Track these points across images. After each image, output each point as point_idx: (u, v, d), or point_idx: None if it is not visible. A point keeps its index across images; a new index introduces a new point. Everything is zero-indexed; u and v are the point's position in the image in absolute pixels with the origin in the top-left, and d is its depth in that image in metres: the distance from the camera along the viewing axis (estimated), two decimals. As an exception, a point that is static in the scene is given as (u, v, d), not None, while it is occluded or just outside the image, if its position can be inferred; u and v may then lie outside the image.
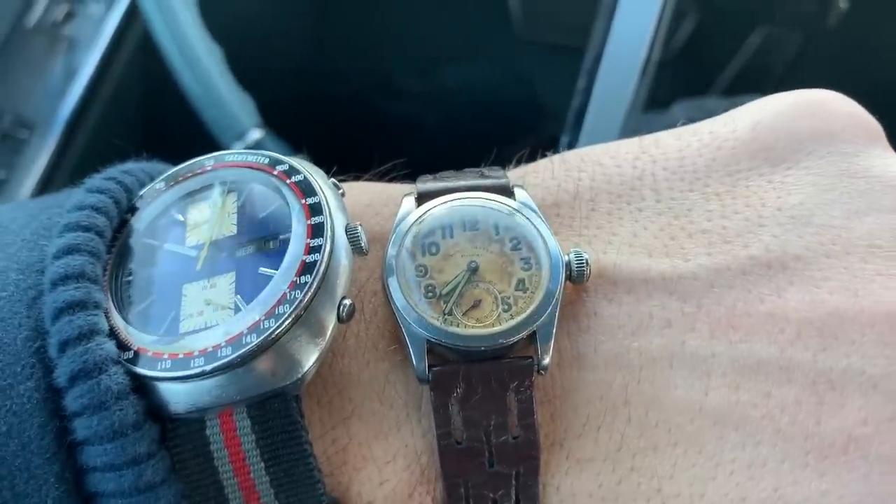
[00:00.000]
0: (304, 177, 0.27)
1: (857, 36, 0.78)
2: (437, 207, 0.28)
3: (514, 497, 0.25)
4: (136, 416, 0.23)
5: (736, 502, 0.24)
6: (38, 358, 0.24)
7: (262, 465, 0.24)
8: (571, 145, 0.57)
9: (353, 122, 0.87)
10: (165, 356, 0.24)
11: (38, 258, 0.26)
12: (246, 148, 0.65)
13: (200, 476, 0.24)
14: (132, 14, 0.73)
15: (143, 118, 0.79)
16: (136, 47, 0.74)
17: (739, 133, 0.29)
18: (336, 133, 0.85)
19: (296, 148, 0.69)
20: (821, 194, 0.27)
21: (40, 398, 0.23)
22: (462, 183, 0.29)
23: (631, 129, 0.56)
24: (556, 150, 0.59)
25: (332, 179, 0.28)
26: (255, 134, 0.67)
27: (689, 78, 0.80)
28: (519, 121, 0.85)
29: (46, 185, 0.69)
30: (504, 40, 0.85)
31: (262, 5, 0.86)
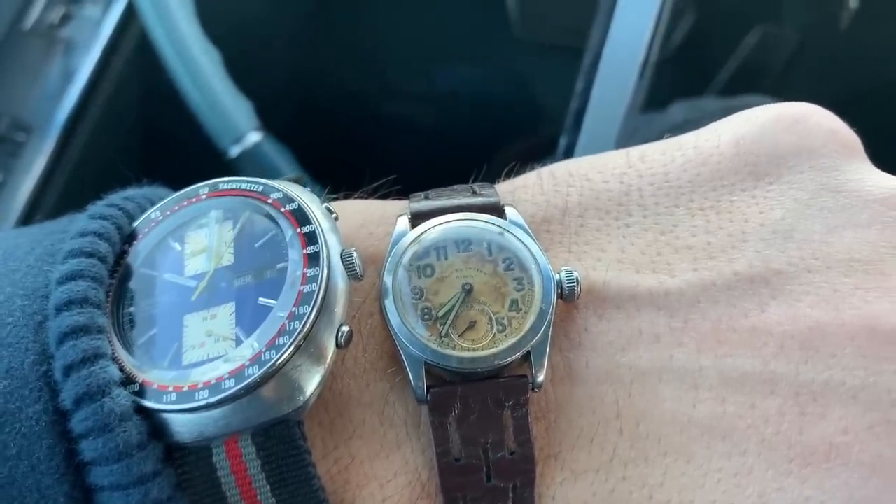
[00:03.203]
0: (299, 205, 0.27)
1: (854, 35, 0.78)
2: (431, 230, 0.28)
3: None
4: (140, 436, 0.24)
5: None
6: (45, 381, 0.24)
7: (269, 488, 0.25)
8: (570, 147, 0.57)
9: (350, 124, 0.87)
10: (170, 389, 0.25)
11: (42, 284, 0.26)
12: (244, 151, 0.66)
13: (209, 500, 0.25)
14: (129, 16, 0.73)
15: (141, 121, 0.79)
16: (134, 50, 0.74)
17: (723, 148, 0.30)
18: (334, 135, 0.85)
19: (293, 150, 0.69)
20: (802, 209, 0.28)
21: (48, 420, 0.24)
22: (454, 202, 0.29)
23: (630, 129, 0.56)
24: (555, 151, 0.59)
25: (326, 204, 0.28)
26: (254, 137, 0.66)
27: (686, 77, 0.80)
28: (517, 122, 0.86)
29: (44, 188, 0.69)
30: (502, 41, 0.85)
31: (258, 8, 0.86)
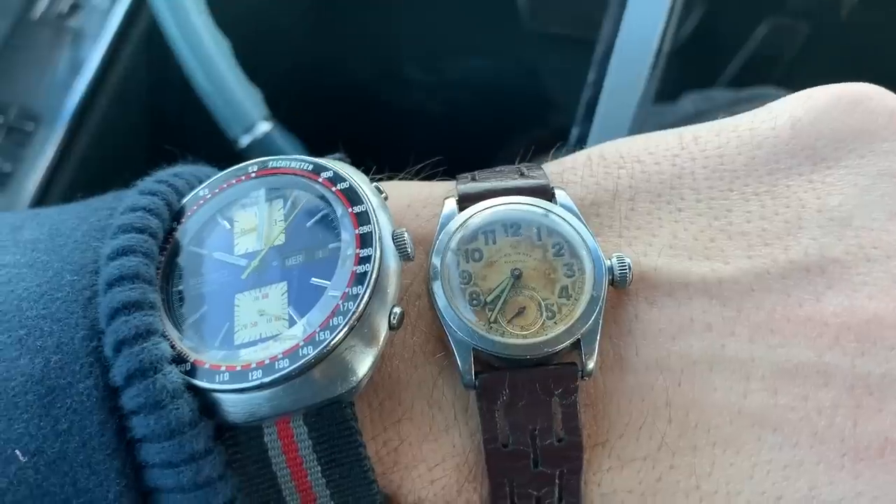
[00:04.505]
0: (350, 184, 0.27)
1: (865, 26, 0.78)
2: (479, 213, 0.28)
3: (557, 494, 0.26)
4: (192, 413, 0.24)
5: (772, 501, 0.25)
6: (95, 357, 0.24)
7: (319, 468, 0.25)
8: (582, 137, 0.57)
9: (358, 114, 0.87)
10: (223, 368, 0.24)
11: (91, 259, 0.26)
12: (254, 140, 0.65)
13: (260, 480, 0.25)
14: (138, 6, 0.73)
15: (150, 110, 0.79)
16: (143, 39, 0.74)
17: (779, 130, 0.29)
18: (341, 125, 0.85)
19: (303, 140, 0.69)
20: (861, 195, 0.27)
21: (99, 396, 0.24)
22: (502, 184, 0.29)
23: (641, 120, 0.56)
24: (564, 142, 0.59)
25: (375, 184, 0.28)
26: (264, 126, 0.66)
27: (696, 68, 0.80)
28: (525, 112, 0.85)
29: (52, 177, 0.69)
30: (511, 31, 0.85)
31: (267, -3, 0.86)
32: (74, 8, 0.73)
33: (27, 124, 0.69)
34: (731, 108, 0.75)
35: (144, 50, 0.74)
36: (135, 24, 0.73)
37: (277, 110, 0.69)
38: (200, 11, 0.66)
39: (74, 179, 0.70)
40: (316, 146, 0.69)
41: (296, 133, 0.69)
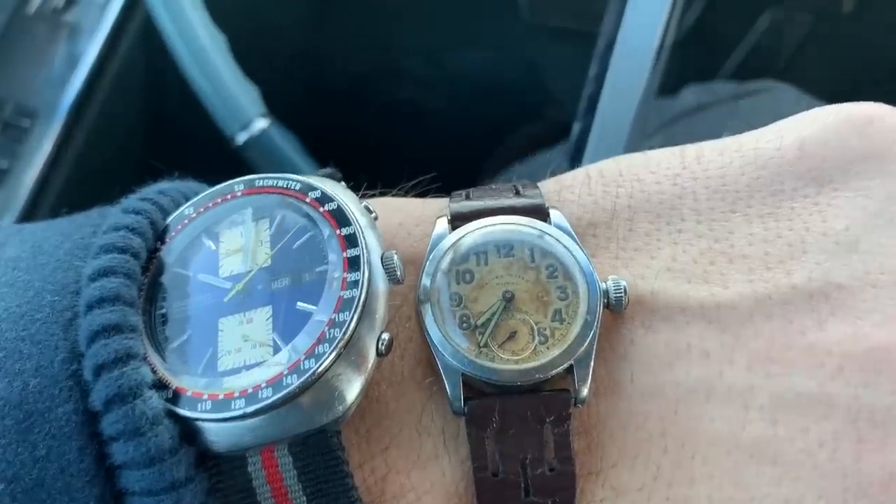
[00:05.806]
0: (338, 205, 0.26)
1: (866, 18, 0.77)
2: (471, 234, 0.27)
3: None
4: (172, 441, 0.23)
5: None
6: (75, 381, 0.24)
7: (305, 498, 0.24)
8: (584, 132, 0.56)
9: (358, 108, 0.87)
10: (205, 396, 0.24)
11: (73, 279, 0.25)
12: (251, 138, 0.65)
13: None
14: (134, 0, 0.72)
15: (147, 106, 0.78)
16: (139, 34, 0.73)
17: (785, 151, 0.28)
18: (341, 120, 0.84)
19: (299, 135, 0.69)
20: (868, 219, 0.26)
21: (79, 421, 0.23)
22: (496, 203, 0.28)
23: (643, 114, 0.56)
24: (565, 136, 0.58)
25: (365, 203, 0.27)
26: (261, 123, 0.66)
27: (697, 61, 0.79)
28: (525, 106, 0.85)
29: (49, 174, 0.69)
30: (511, 24, 0.85)
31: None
32: (70, 2, 0.72)
33: (23, 120, 0.69)
34: (733, 101, 0.75)
35: (141, 45, 0.74)
36: (131, 18, 0.73)
37: (274, 106, 0.68)
38: (196, 7, 0.65)
39: (71, 175, 0.70)
40: (314, 144, 0.69)
41: (293, 130, 0.68)
